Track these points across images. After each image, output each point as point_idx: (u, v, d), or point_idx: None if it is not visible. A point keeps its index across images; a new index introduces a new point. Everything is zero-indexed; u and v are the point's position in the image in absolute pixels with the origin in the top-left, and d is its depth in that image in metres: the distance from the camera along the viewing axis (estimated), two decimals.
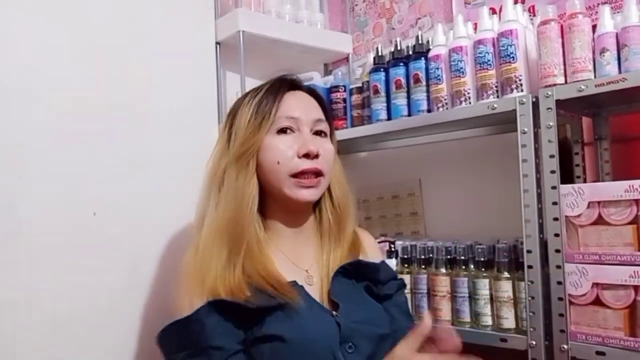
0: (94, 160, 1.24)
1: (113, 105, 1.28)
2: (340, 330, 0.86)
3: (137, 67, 1.35)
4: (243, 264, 0.86)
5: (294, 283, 0.88)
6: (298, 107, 0.94)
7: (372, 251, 1.05)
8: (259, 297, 0.83)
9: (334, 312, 0.88)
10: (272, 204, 0.95)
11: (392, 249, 1.33)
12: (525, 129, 1.06)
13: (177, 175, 1.36)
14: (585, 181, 1.26)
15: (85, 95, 1.23)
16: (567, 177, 1.21)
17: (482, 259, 1.15)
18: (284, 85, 0.97)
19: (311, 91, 1.02)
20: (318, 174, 0.92)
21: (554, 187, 1.03)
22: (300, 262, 0.95)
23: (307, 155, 0.91)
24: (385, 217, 1.68)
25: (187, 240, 0.97)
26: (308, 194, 0.92)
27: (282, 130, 0.92)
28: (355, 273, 0.95)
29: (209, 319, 0.82)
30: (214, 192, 0.92)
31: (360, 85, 1.44)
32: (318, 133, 0.96)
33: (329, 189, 0.98)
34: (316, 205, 0.99)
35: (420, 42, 1.30)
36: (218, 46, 1.56)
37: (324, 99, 1.03)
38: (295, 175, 0.91)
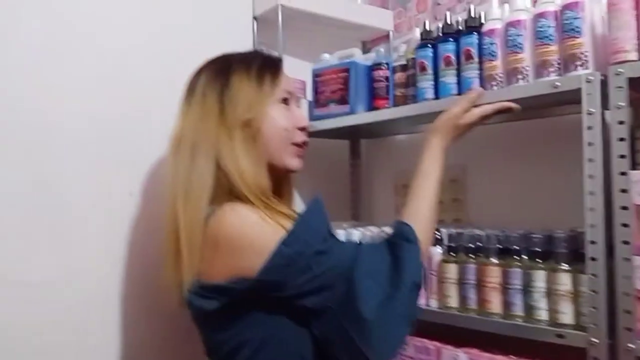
0: (129, 141, 1.20)
1: (143, 80, 1.24)
2: None
3: (170, 41, 1.29)
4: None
5: None
6: (291, 84, 1.05)
7: None
8: None
9: None
10: None
11: (437, 237, 1.26)
12: (592, 110, 0.98)
13: None
14: None
15: (116, 72, 1.20)
16: None
17: (538, 249, 1.08)
18: (278, 62, 1.05)
19: None
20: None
21: (623, 173, 0.95)
22: None
23: (303, 129, 1.03)
24: None
25: None
26: (300, 164, 1.04)
27: (284, 101, 1.01)
28: None
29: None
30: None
31: (404, 62, 1.36)
32: None
33: None
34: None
35: (472, 15, 1.21)
36: (255, 21, 1.49)
37: None
38: (296, 145, 1.02)
